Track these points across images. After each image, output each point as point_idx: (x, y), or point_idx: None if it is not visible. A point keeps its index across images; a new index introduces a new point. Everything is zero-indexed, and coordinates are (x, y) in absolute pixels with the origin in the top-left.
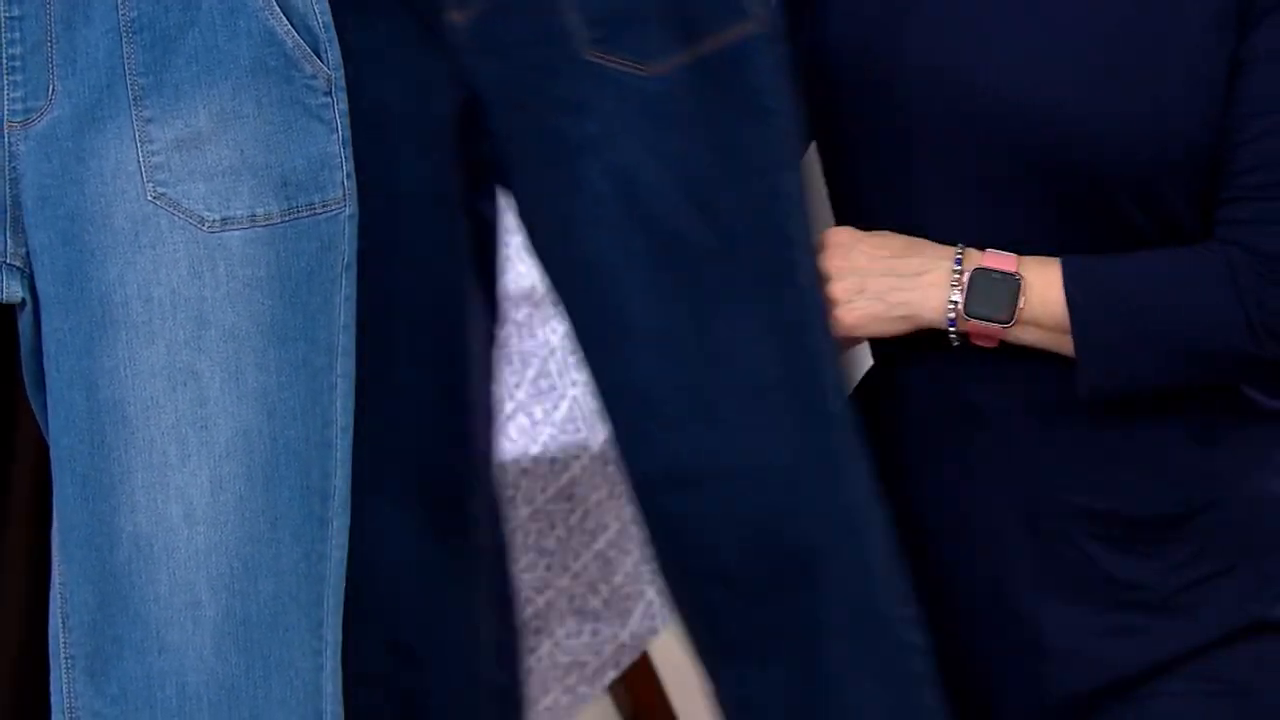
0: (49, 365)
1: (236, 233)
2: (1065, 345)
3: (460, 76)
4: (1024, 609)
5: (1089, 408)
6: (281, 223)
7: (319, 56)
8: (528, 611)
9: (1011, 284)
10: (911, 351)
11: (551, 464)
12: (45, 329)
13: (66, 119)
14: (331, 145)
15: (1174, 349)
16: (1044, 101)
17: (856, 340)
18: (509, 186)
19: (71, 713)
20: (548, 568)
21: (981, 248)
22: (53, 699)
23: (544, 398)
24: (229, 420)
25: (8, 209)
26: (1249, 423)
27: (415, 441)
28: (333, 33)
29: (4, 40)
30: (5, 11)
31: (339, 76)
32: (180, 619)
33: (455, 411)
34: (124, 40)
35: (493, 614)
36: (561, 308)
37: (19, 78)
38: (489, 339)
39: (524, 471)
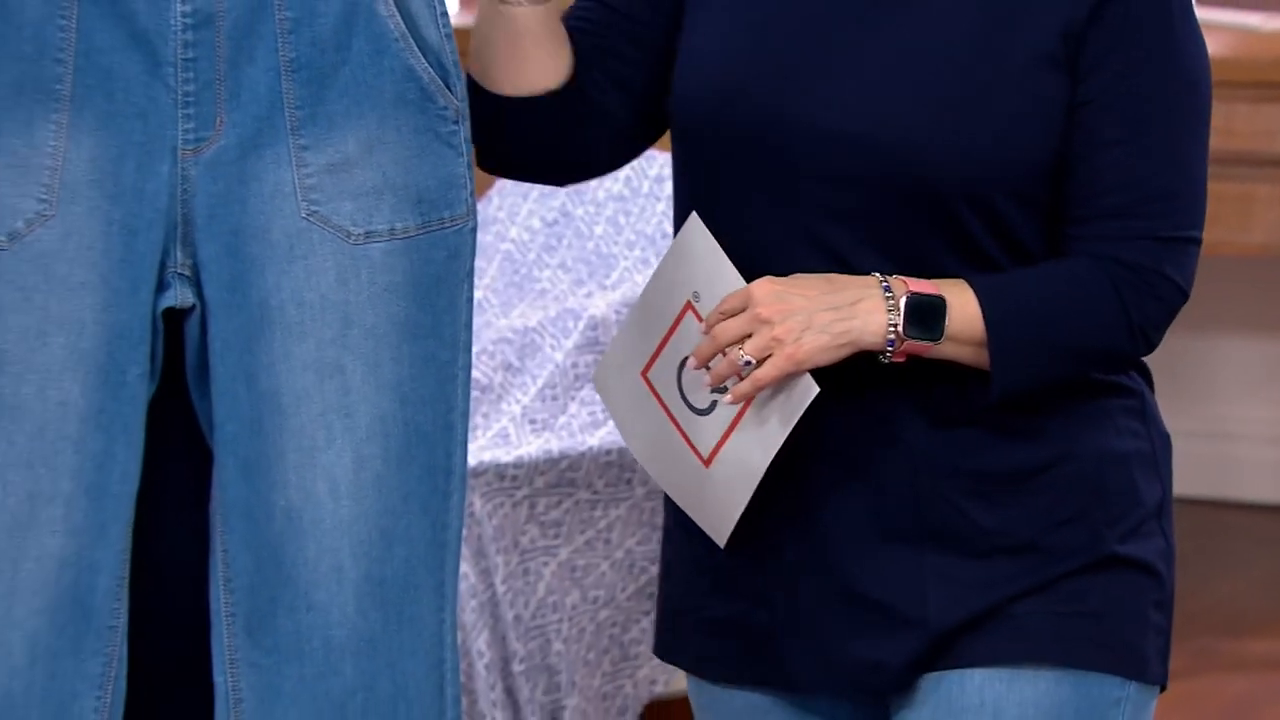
0: (214, 362)
1: (378, 245)
2: (975, 357)
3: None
4: (910, 564)
5: (965, 398)
6: (416, 235)
7: (450, 90)
8: (642, 580)
9: (940, 305)
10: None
11: None
12: (211, 330)
13: (232, 146)
14: (459, 167)
15: (1070, 351)
16: (893, 136)
17: (800, 373)
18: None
19: (232, 664)
20: (659, 541)
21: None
22: (213, 652)
23: None
24: (369, 408)
25: (179, 226)
26: (1094, 392)
27: None
28: (460, 69)
29: (180, 79)
30: (181, 54)
31: (464, 107)
32: (326, 581)
33: None
34: (283, 78)
35: None
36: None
37: (191, 111)
38: None
39: None
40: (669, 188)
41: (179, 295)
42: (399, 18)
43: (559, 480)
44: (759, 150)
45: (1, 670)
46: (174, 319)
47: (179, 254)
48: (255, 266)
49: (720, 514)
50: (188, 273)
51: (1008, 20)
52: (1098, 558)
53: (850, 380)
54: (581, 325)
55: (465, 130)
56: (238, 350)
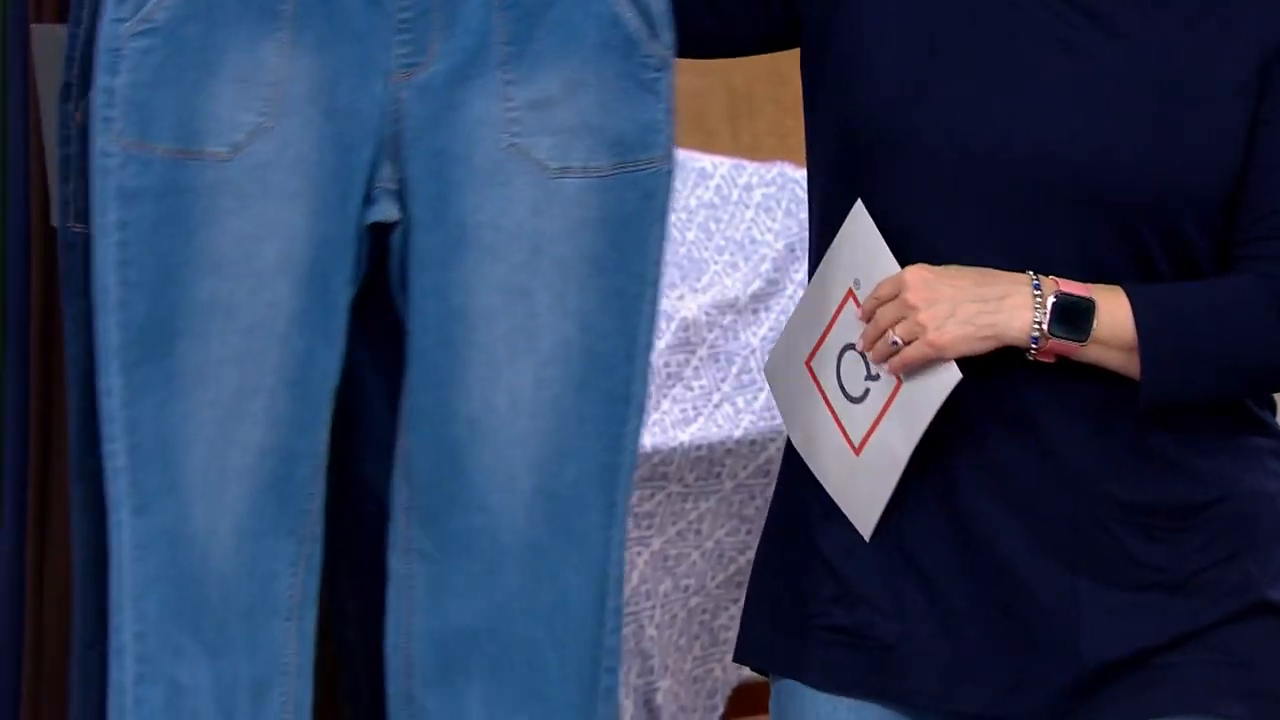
0: (411, 275)
1: (572, 180)
2: (1124, 363)
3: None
4: (1063, 587)
5: (1123, 418)
6: (611, 174)
7: (655, 37)
8: (730, 569)
9: (1088, 307)
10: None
11: (751, 445)
12: (411, 244)
13: (442, 74)
14: (658, 114)
15: (1225, 366)
16: (1084, 154)
17: (944, 360)
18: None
19: (406, 554)
20: (748, 532)
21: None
22: (389, 539)
23: (745, 390)
24: (551, 333)
25: (388, 144)
26: (1244, 431)
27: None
28: (669, 18)
29: (398, 5)
30: None
31: (669, 55)
32: (499, 487)
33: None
34: (495, 13)
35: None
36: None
37: (407, 37)
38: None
39: (728, 452)
40: (758, 195)
41: (385, 210)
42: None
43: (652, 474)
44: (942, 160)
45: (212, 550)
46: (378, 232)
47: (387, 170)
48: (456, 188)
49: (868, 504)
50: (394, 188)
51: (1206, 51)
52: (1250, 603)
53: (1009, 397)
54: (674, 326)
55: (668, 77)
56: (434, 266)
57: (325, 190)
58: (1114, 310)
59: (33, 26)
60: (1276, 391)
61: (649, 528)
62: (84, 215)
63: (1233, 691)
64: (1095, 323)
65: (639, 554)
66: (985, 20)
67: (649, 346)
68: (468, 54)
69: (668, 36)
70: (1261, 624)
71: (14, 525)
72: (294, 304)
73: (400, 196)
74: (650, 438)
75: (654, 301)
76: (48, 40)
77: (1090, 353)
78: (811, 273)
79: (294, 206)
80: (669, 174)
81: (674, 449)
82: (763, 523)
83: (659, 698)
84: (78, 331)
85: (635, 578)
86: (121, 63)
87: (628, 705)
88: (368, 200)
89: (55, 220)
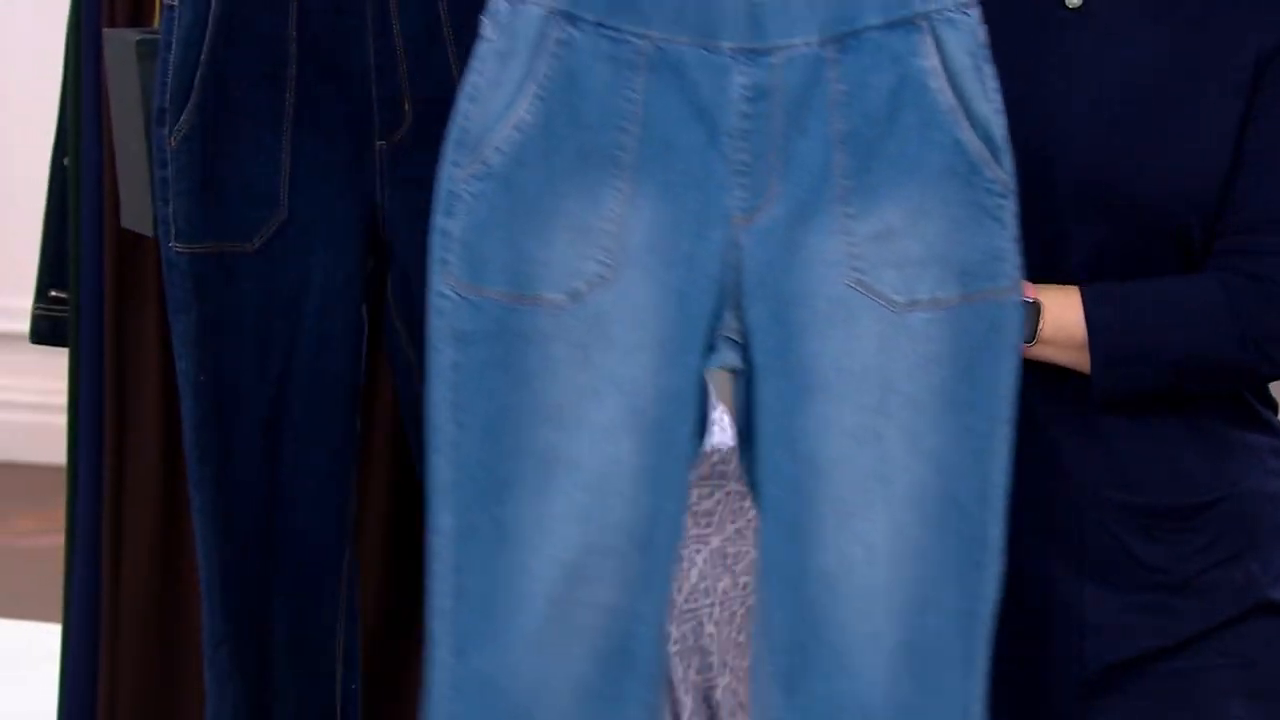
0: (757, 425)
1: (920, 314)
2: (1077, 360)
3: (373, 193)
4: (1068, 589)
5: (1123, 419)
6: (958, 305)
7: (998, 162)
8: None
9: (1031, 309)
10: None
11: None
12: (756, 393)
13: (782, 215)
14: (1005, 241)
15: (1175, 361)
16: (1089, 155)
17: None
18: (399, 290)
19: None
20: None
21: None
22: (751, 707)
23: None
24: (906, 475)
25: (729, 291)
26: (1247, 431)
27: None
28: (1008, 144)
29: (736, 150)
30: (738, 126)
31: (1012, 181)
32: (861, 646)
33: (335, 485)
34: (834, 149)
35: None
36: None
37: (746, 180)
38: (357, 427)
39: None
40: None
41: (727, 359)
42: (949, 91)
43: (711, 473)
44: None
45: (542, 706)
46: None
47: (728, 318)
48: (799, 332)
49: None
50: (736, 337)
51: (1205, 55)
52: (1253, 604)
53: (1021, 408)
54: None
55: (1012, 204)
56: (780, 414)
57: (666, 341)
58: (1063, 311)
59: (105, 31)
60: (1237, 387)
61: (708, 526)
62: (183, 235)
63: (1237, 692)
64: (1041, 323)
65: (698, 552)
66: (987, 27)
67: (1003, 488)
68: (807, 192)
69: (1009, 162)
70: (1265, 624)
71: (89, 528)
72: (638, 459)
73: (742, 344)
74: (710, 437)
75: (1008, 440)
76: (119, 45)
77: (1041, 351)
78: None
79: (635, 358)
80: (1018, 304)
81: (732, 449)
82: None
83: (718, 694)
84: (185, 346)
85: (694, 575)
86: (458, 206)
87: (687, 701)
88: (709, 350)
89: (155, 236)
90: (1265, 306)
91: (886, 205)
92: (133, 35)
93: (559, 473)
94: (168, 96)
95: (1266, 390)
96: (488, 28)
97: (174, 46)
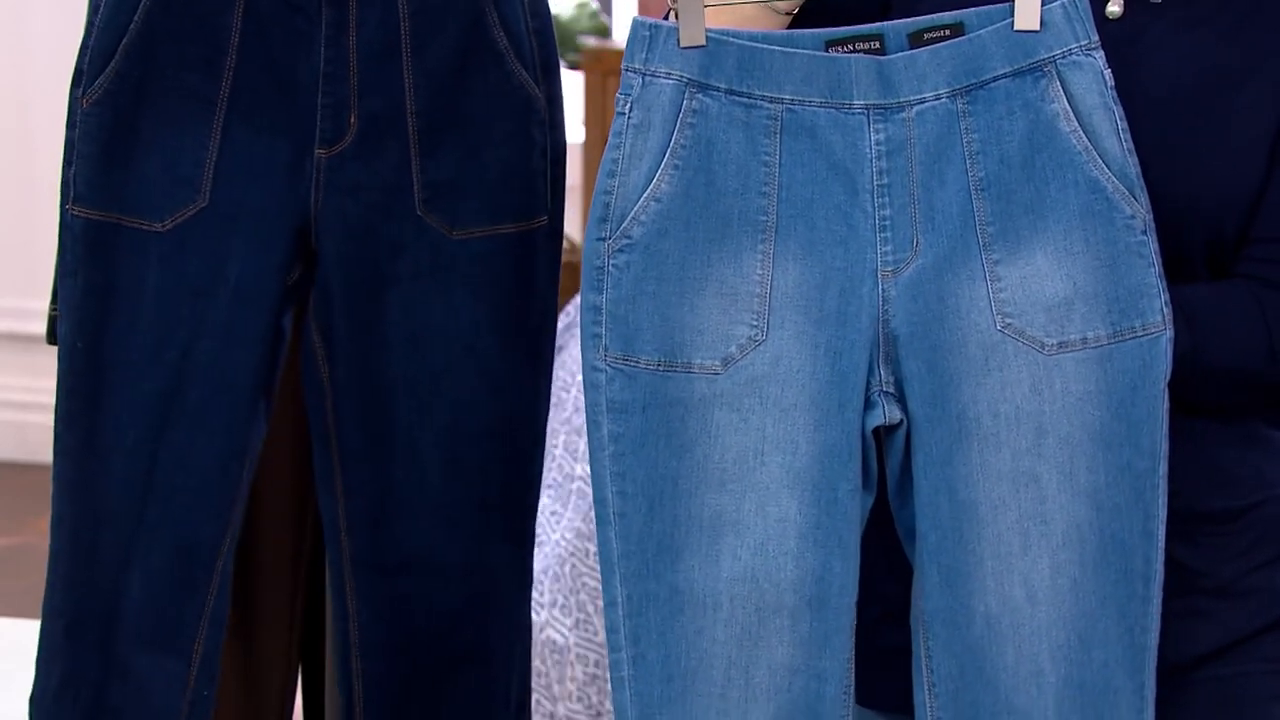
0: (917, 475)
1: (1070, 354)
2: None
3: (307, 201)
4: None
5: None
6: (1108, 344)
7: (1135, 199)
8: None
9: None
10: None
11: None
12: (914, 444)
13: (929, 266)
14: (1150, 276)
15: (1210, 368)
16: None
17: None
18: (320, 303)
19: None
20: None
21: None
22: None
23: None
24: (1064, 515)
25: (881, 345)
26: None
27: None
28: (1142, 180)
29: (876, 204)
30: (877, 181)
31: (1150, 218)
32: (1026, 685)
33: (220, 484)
34: (974, 197)
35: None
36: (335, 417)
37: (889, 234)
38: (260, 433)
39: None
40: None
41: (886, 413)
42: (1081, 133)
43: None
44: None
45: None
46: (878, 433)
47: (882, 372)
48: (953, 381)
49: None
50: (892, 390)
51: (1240, 65)
52: None
53: None
54: None
55: (1153, 241)
56: (938, 463)
57: (822, 400)
58: None
59: None
60: (1267, 403)
61: None
62: (82, 199)
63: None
64: None
65: None
66: None
67: (1162, 522)
68: (951, 241)
69: (1145, 199)
70: None
71: None
72: (803, 518)
73: (899, 397)
74: None
75: (1164, 475)
76: None
77: None
78: None
79: (793, 418)
80: (1168, 341)
81: None
82: None
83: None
84: (67, 309)
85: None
86: (604, 279)
87: None
88: (867, 405)
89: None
90: None
91: (1030, 249)
92: None
93: (725, 536)
94: (87, 58)
95: None
96: (622, 103)
97: (101, 9)
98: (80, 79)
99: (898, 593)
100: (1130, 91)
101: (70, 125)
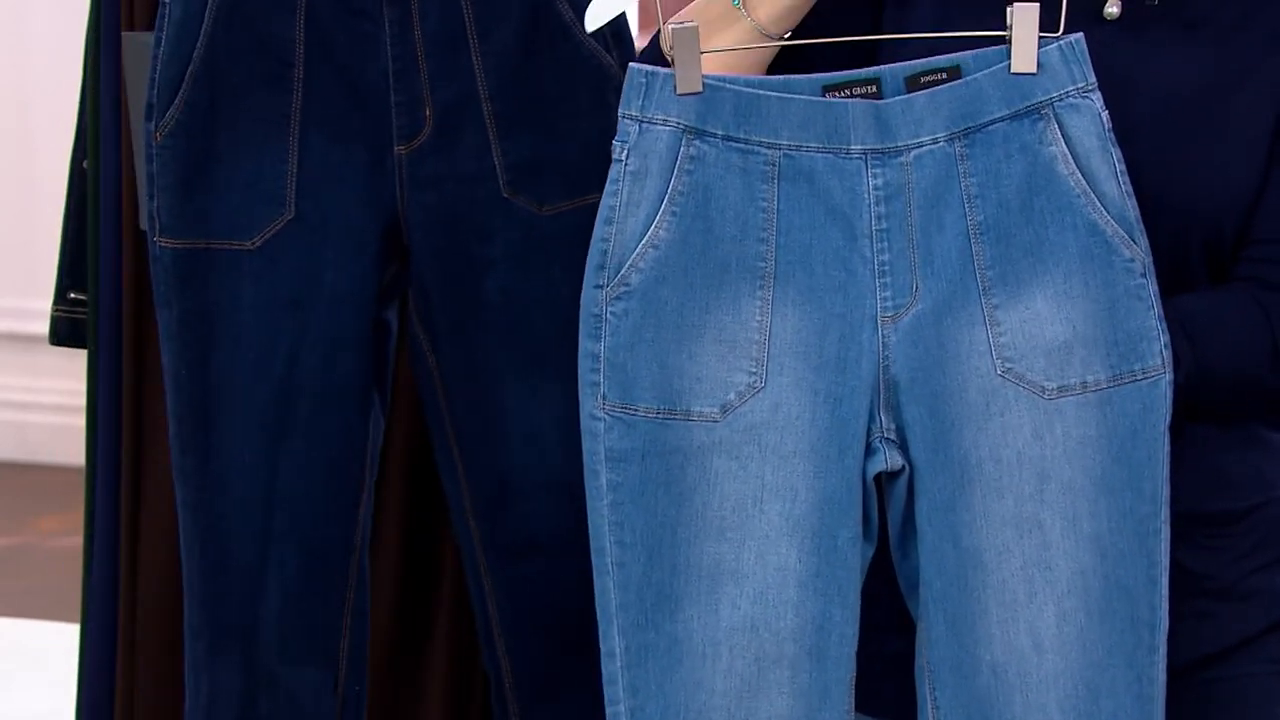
0: (920, 522)
1: (1070, 399)
2: None
3: (393, 199)
4: None
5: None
6: (1108, 388)
7: (1134, 242)
8: None
9: None
10: None
11: None
12: (917, 490)
13: (928, 311)
14: (1149, 319)
15: (1208, 381)
16: (1130, 165)
17: None
18: (418, 297)
19: None
20: None
21: None
22: None
23: None
24: (1068, 562)
25: (882, 391)
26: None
27: (305, 507)
28: (1141, 222)
29: (875, 250)
30: (875, 226)
31: (1149, 261)
32: None
33: (342, 486)
34: (973, 241)
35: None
36: (448, 405)
37: (888, 279)
38: (379, 428)
39: None
40: None
41: (888, 459)
42: (1080, 175)
43: None
44: None
45: None
46: (879, 481)
47: (883, 418)
48: (954, 426)
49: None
50: (893, 436)
51: (1239, 66)
52: None
53: None
54: None
55: (1152, 285)
56: (942, 509)
57: (822, 447)
58: None
59: (124, 34)
60: (1267, 411)
61: None
62: (168, 231)
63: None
64: None
65: None
66: None
67: (1166, 569)
68: (950, 286)
69: (1144, 241)
70: None
71: (107, 528)
72: (803, 566)
73: (901, 444)
74: None
75: (1166, 520)
76: (138, 48)
77: None
78: None
79: (792, 466)
80: (1169, 384)
81: None
82: None
83: None
84: (167, 339)
85: None
86: (603, 327)
87: None
88: (868, 452)
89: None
90: None
91: (1030, 293)
92: (152, 39)
93: (725, 584)
94: (155, 91)
95: None
96: (619, 149)
97: (163, 43)
98: (150, 113)
99: (891, 598)
100: (1128, 92)
101: (147, 160)
